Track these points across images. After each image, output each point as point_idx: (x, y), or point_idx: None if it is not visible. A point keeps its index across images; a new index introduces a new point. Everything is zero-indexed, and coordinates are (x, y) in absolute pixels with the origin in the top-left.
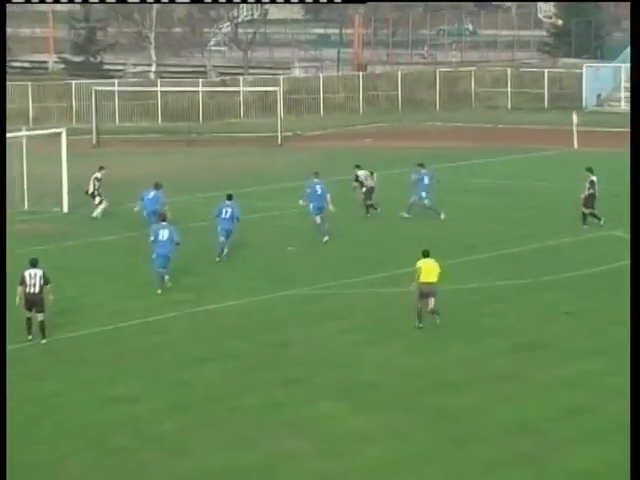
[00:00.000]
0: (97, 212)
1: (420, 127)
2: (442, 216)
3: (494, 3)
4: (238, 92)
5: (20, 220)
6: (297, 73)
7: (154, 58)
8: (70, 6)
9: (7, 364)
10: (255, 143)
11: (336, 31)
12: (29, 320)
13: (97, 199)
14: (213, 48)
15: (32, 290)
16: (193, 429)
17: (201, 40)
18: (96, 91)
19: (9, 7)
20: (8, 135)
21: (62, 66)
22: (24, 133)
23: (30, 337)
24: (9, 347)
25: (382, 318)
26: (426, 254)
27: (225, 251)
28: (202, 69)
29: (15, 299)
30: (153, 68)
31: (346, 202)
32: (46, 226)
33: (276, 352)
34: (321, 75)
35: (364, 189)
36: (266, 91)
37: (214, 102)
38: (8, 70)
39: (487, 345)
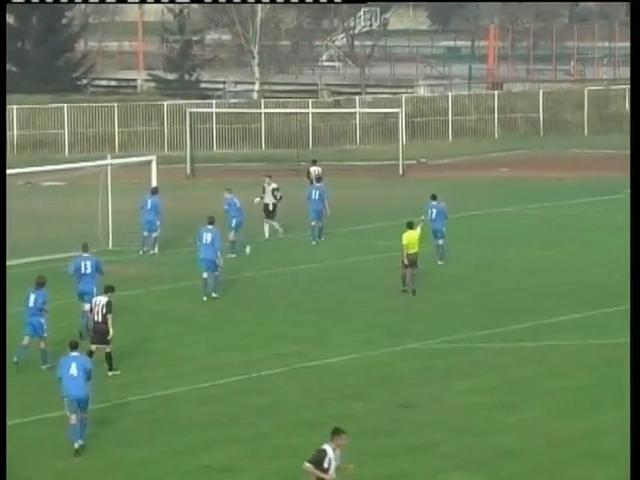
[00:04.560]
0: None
1: (566, 154)
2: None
3: None
4: (354, 114)
5: (103, 261)
6: (422, 92)
7: (257, 75)
8: (162, 17)
9: (90, 424)
10: (373, 173)
11: (467, 44)
12: (90, 354)
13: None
14: (325, 64)
15: (96, 318)
16: None
17: (312, 54)
18: (191, 113)
19: (94, 19)
20: (92, 163)
21: (153, 84)
22: (109, 161)
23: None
24: (92, 407)
25: (520, 376)
26: (410, 225)
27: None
28: (313, 88)
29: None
30: (256, 87)
31: (472, 239)
32: (132, 268)
33: (398, 415)
34: (450, 94)
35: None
36: (386, 113)
37: (326, 126)
38: (91, 89)
39: None
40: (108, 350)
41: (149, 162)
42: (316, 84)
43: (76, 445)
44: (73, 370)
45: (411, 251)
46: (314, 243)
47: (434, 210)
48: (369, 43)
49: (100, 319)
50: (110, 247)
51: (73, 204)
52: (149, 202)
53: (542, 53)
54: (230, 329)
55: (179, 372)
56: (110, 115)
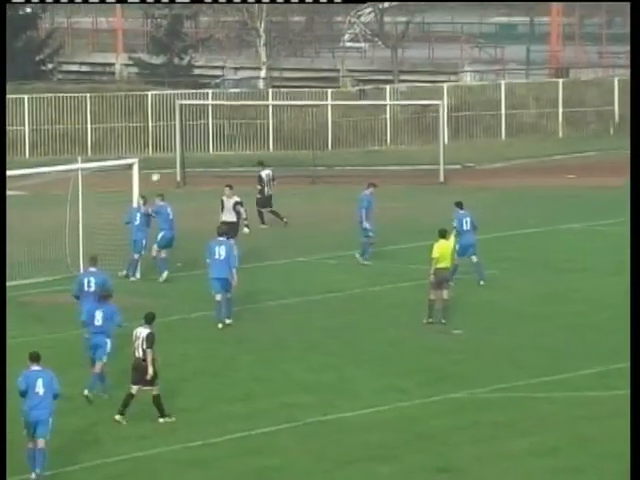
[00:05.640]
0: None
1: None
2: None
3: None
4: (384, 107)
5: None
6: (468, 80)
7: (264, 59)
8: None
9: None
10: (407, 180)
11: (525, 20)
12: (130, 397)
13: None
14: (348, 44)
15: (136, 354)
16: None
17: (331, 33)
18: (182, 106)
19: None
20: (58, 168)
21: (134, 70)
22: (80, 165)
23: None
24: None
25: (589, 434)
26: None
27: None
28: (332, 74)
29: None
30: (263, 73)
31: (530, 263)
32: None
33: None
34: (502, 83)
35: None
36: (424, 106)
37: (349, 122)
38: (59, 75)
39: None
40: (155, 393)
41: (130, 166)
42: (337, 70)
43: (33, 475)
44: (39, 388)
45: (441, 265)
46: (366, 263)
47: (467, 220)
48: (402, 19)
49: (141, 354)
50: (81, 272)
51: (34, 219)
52: (138, 216)
53: (617, 32)
54: (229, 373)
55: (165, 427)
56: (81, 108)
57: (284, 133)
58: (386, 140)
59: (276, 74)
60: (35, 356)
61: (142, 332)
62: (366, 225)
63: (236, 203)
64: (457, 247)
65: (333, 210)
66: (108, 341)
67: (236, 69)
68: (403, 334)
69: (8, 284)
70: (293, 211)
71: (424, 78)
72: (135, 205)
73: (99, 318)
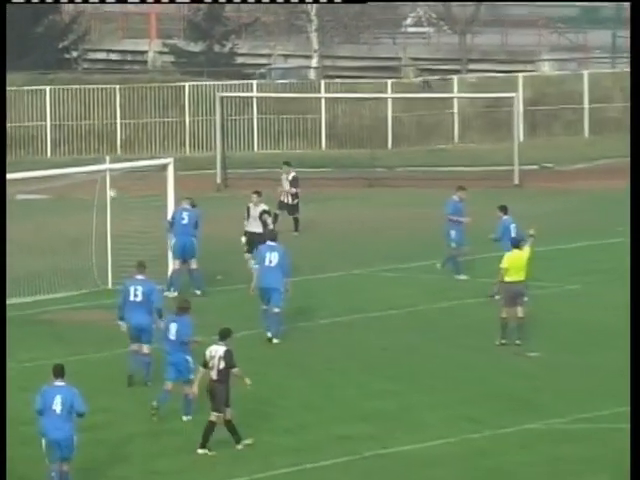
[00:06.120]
0: None
1: None
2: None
3: None
4: (451, 101)
5: (98, 307)
6: (546, 69)
7: (316, 46)
8: None
9: None
10: (477, 182)
11: (610, 2)
12: (211, 426)
13: None
14: (411, 30)
15: (212, 375)
16: None
17: (392, 17)
18: (223, 99)
19: None
20: (83, 169)
21: (169, 59)
22: (108, 166)
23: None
24: None
25: None
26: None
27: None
28: (393, 63)
29: None
30: (314, 62)
31: (619, 277)
32: None
33: None
34: (585, 73)
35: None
36: (496, 99)
37: (411, 117)
38: (84, 64)
39: None
40: (228, 417)
41: (164, 167)
42: (398, 58)
43: None
44: (57, 405)
45: (513, 278)
46: (461, 277)
47: (514, 227)
48: (471, 2)
49: (216, 376)
50: (110, 286)
51: (56, 226)
52: (185, 216)
53: None
54: (277, 401)
55: (203, 462)
56: (110, 101)
57: (338, 129)
58: (453, 137)
59: (329, 63)
60: (59, 370)
61: (218, 350)
62: (451, 234)
63: (263, 212)
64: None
65: (393, 216)
66: (189, 358)
67: (284, 57)
68: (472, 357)
69: (27, 299)
70: (348, 217)
71: (496, 67)
72: (184, 204)
73: (173, 332)
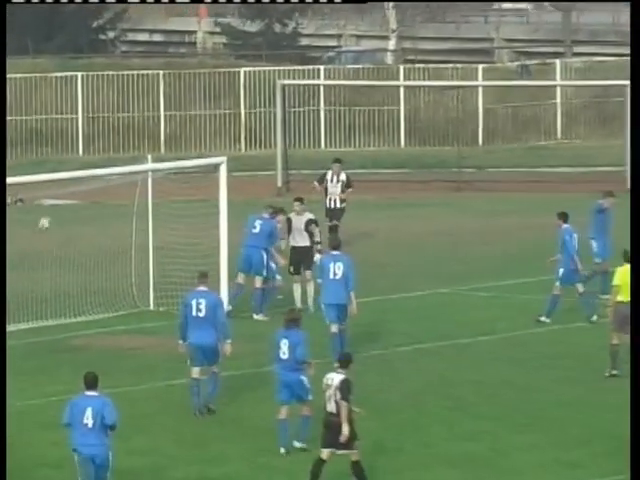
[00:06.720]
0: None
1: None
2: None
3: None
4: (553, 89)
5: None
6: None
7: (394, 25)
8: None
9: None
10: (583, 185)
11: None
12: (321, 463)
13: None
14: (505, 6)
15: (328, 407)
16: None
17: None
18: (285, 87)
19: None
20: (121, 169)
21: (222, 40)
22: (149, 166)
23: None
24: None
25: None
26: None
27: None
28: (484, 46)
29: None
30: (392, 44)
31: None
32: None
33: None
34: None
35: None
36: (606, 87)
37: (506, 109)
38: (122, 47)
39: None
40: (354, 458)
41: (216, 167)
42: (490, 40)
43: None
44: (88, 419)
45: (623, 298)
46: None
47: (574, 237)
48: None
49: (334, 409)
50: (151, 307)
51: (90, 236)
52: (257, 224)
53: None
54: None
55: None
56: (152, 90)
57: (420, 123)
58: (556, 133)
59: (409, 45)
60: (90, 380)
61: (335, 378)
62: (594, 246)
63: (309, 222)
64: (561, 272)
65: (485, 225)
66: (304, 378)
67: (357, 38)
68: (576, 391)
69: (56, 322)
70: (431, 226)
71: (606, 50)
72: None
73: (285, 350)
